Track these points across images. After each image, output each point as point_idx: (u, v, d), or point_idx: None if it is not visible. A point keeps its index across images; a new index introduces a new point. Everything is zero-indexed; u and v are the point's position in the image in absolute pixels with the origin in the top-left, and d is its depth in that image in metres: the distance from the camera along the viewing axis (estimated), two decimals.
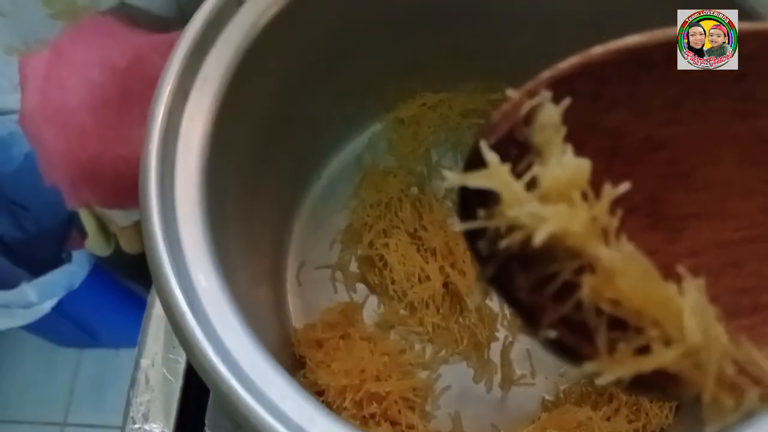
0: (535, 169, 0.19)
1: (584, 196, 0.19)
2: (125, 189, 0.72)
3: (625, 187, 0.19)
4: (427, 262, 0.45)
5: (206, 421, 0.45)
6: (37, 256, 0.94)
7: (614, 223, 0.19)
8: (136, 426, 0.44)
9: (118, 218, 0.75)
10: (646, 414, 0.40)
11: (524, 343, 0.45)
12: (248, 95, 0.37)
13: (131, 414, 0.44)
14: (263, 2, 0.36)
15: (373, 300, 0.47)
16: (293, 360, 0.42)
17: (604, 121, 0.20)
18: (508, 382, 0.44)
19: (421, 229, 0.46)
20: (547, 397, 0.44)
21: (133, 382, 0.45)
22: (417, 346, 0.45)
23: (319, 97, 0.45)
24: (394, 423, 0.41)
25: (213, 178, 0.33)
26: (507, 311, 0.46)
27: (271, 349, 0.38)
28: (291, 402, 0.28)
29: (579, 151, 0.19)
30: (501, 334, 0.45)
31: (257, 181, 0.42)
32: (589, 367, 0.19)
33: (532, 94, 0.20)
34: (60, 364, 1.11)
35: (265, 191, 0.43)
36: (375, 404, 0.40)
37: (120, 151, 0.71)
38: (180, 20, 0.79)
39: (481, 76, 0.49)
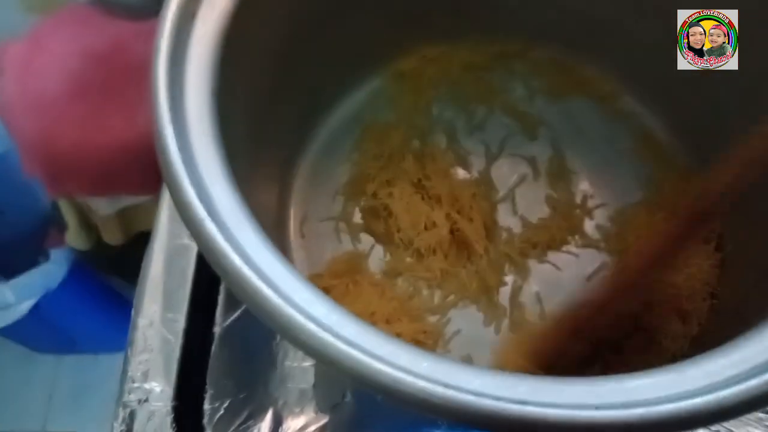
0: None
1: None
2: (108, 176, 0.71)
3: None
4: (432, 210, 0.44)
5: (207, 380, 0.44)
6: (14, 260, 0.91)
7: None
8: (135, 385, 0.43)
9: (101, 207, 0.74)
10: (659, 344, 0.40)
11: (533, 285, 0.45)
12: (251, 34, 0.36)
13: (130, 373, 0.43)
14: None
15: (378, 250, 0.46)
16: None
17: None
18: (517, 325, 0.43)
19: (425, 178, 0.45)
20: None
21: (131, 342, 0.44)
22: (425, 292, 0.45)
23: (315, 52, 0.45)
24: None
25: (222, 116, 0.32)
26: (515, 255, 0.45)
27: None
28: (319, 307, 0.27)
29: None
30: (509, 278, 0.45)
31: (261, 133, 0.41)
32: None
33: None
34: (38, 372, 1.07)
35: (267, 144, 0.43)
36: None
37: (102, 139, 0.70)
38: (156, 9, 0.79)
39: (481, 29, 0.49)
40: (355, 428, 0.43)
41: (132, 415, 0.42)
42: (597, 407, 0.23)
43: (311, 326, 0.25)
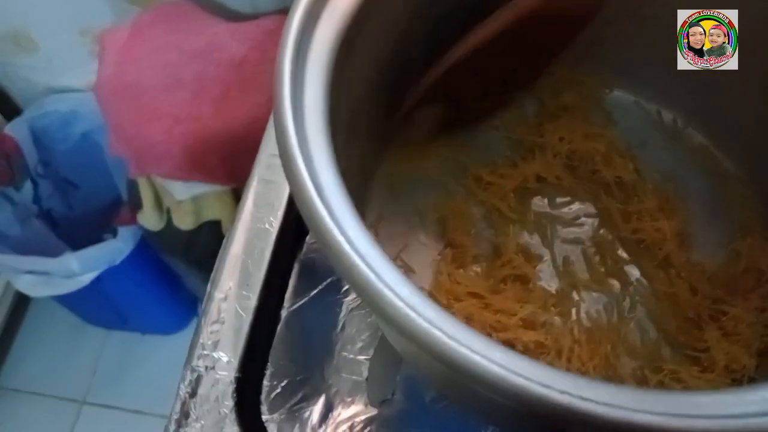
0: None
1: None
2: (191, 162, 0.75)
3: None
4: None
5: (270, 359, 0.47)
6: (81, 234, 0.96)
7: None
8: (205, 352, 0.45)
9: (178, 191, 0.77)
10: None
11: None
12: (366, 37, 0.39)
13: (201, 340, 0.45)
14: None
15: None
16: None
17: None
18: None
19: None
20: None
21: (205, 312, 0.46)
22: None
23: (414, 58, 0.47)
24: None
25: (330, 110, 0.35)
26: None
27: None
28: (404, 288, 0.28)
29: None
30: None
31: (355, 128, 0.43)
32: None
33: None
34: (86, 343, 1.11)
35: (357, 140, 0.45)
36: None
37: (189, 127, 0.73)
38: (252, 14, 0.83)
39: None
40: (401, 426, 0.45)
41: (198, 380, 0.44)
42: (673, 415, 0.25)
43: (398, 302, 0.27)
